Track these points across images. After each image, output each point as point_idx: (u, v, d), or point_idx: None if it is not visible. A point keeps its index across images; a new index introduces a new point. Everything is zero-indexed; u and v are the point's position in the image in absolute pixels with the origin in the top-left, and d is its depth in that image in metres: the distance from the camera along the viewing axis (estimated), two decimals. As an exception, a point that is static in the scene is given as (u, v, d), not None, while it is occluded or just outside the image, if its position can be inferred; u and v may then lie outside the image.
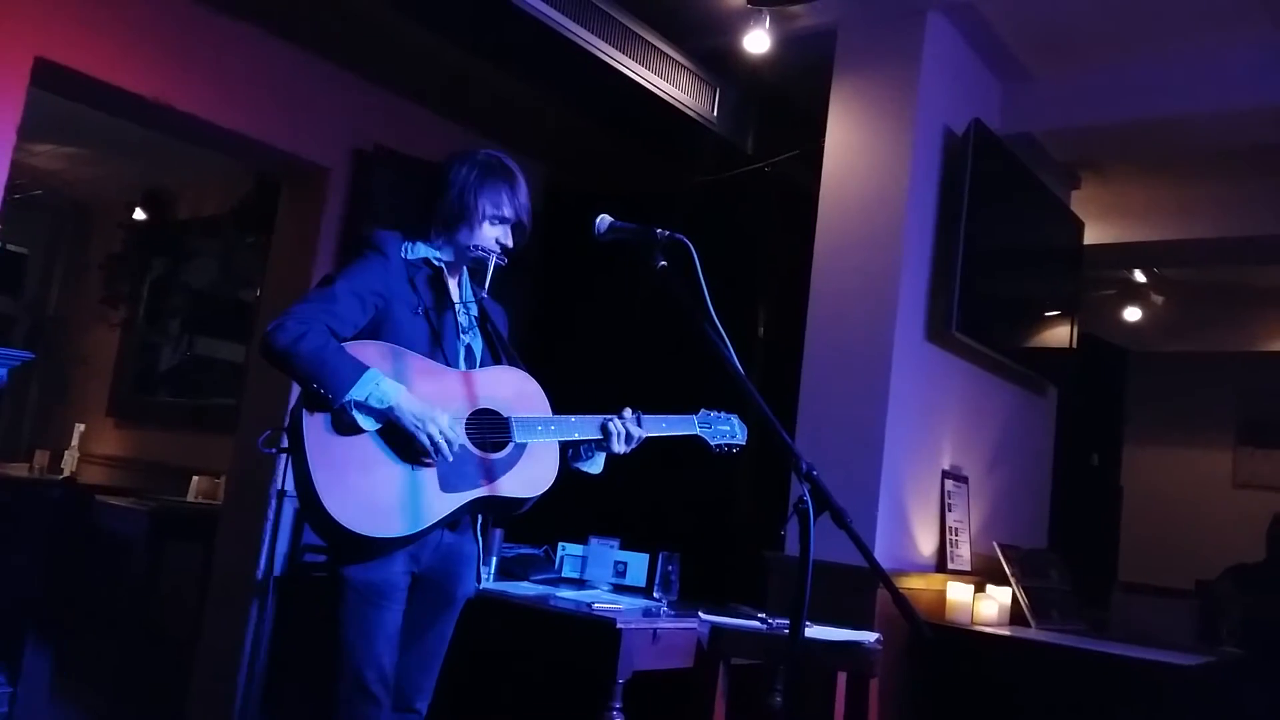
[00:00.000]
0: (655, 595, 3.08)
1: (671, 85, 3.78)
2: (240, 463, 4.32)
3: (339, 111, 4.25)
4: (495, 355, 2.31)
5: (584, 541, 3.46)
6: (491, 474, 2.11)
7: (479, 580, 2.31)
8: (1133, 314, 6.27)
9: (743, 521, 3.96)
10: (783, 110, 4.19)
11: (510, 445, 2.14)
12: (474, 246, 2.25)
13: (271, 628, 4.02)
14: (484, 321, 2.33)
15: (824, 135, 3.64)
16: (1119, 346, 6.23)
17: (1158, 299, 6.20)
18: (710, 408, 2.38)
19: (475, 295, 2.34)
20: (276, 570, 4.02)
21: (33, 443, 6.34)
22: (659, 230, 2.06)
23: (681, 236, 2.02)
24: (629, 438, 2.23)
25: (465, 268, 2.32)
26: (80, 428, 5.83)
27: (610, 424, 2.22)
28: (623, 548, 3.43)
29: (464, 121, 4.65)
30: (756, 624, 2.52)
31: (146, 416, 6.13)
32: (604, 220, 2.17)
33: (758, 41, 3.57)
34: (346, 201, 4.27)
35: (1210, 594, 4.13)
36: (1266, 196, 4.51)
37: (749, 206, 4.29)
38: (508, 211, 2.27)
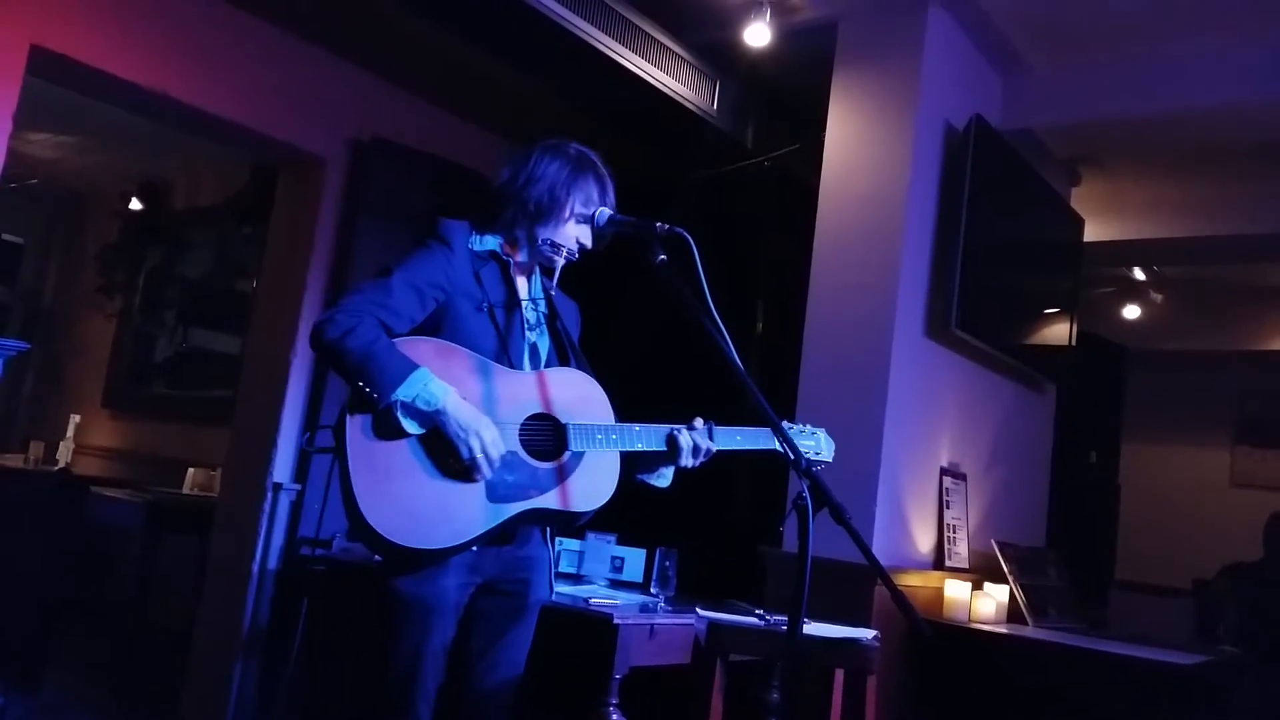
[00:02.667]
0: (652, 591, 3.07)
1: (671, 78, 3.76)
2: (236, 455, 4.30)
3: (336, 102, 4.23)
4: (563, 355, 2.19)
5: (581, 536, 3.44)
6: (545, 484, 1.98)
7: (551, 588, 2.18)
8: (1132, 312, 6.26)
9: (741, 517, 3.95)
10: (783, 104, 4.18)
11: (567, 453, 2.01)
12: (549, 241, 2.13)
13: (267, 620, 4.00)
14: (553, 320, 2.21)
15: (824, 129, 3.62)
16: (1118, 344, 6.21)
17: (1157, 297, 6.19)
18: (791, 420, 2.29)
19: (545, 291, 2.22)
20: (272, 563, 4.01)
21: (28, 433, 6.33)
22: (659, 224, 2.04)
23: (681, 230, 2.00)
24: (698, 451, 2.08)
25: (537, 263, 2.20)
26: (75, 419, 5.82)
27: (679, 436, 2.07)
28: (620, 543, 3.41)
29: (462, 112, 4.63)
30: (754, 620, 2.51)
31: (142, 408, 6.12)
32: (603, 213, 2.16)
33: (758, 34, 3.55)
34: (343, 192, 4.25)
35: (1208, 593, 4.13)
36: (1267, 194, 4.50)
37: (748, 200, 4.27)
38: (602, 210, 2.16)
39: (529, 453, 1.99)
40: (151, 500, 4.85)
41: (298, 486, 4.05)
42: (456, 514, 1.90)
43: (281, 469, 4.06)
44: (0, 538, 4.63)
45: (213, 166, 5.80)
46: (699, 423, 2.11)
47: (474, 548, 1.96)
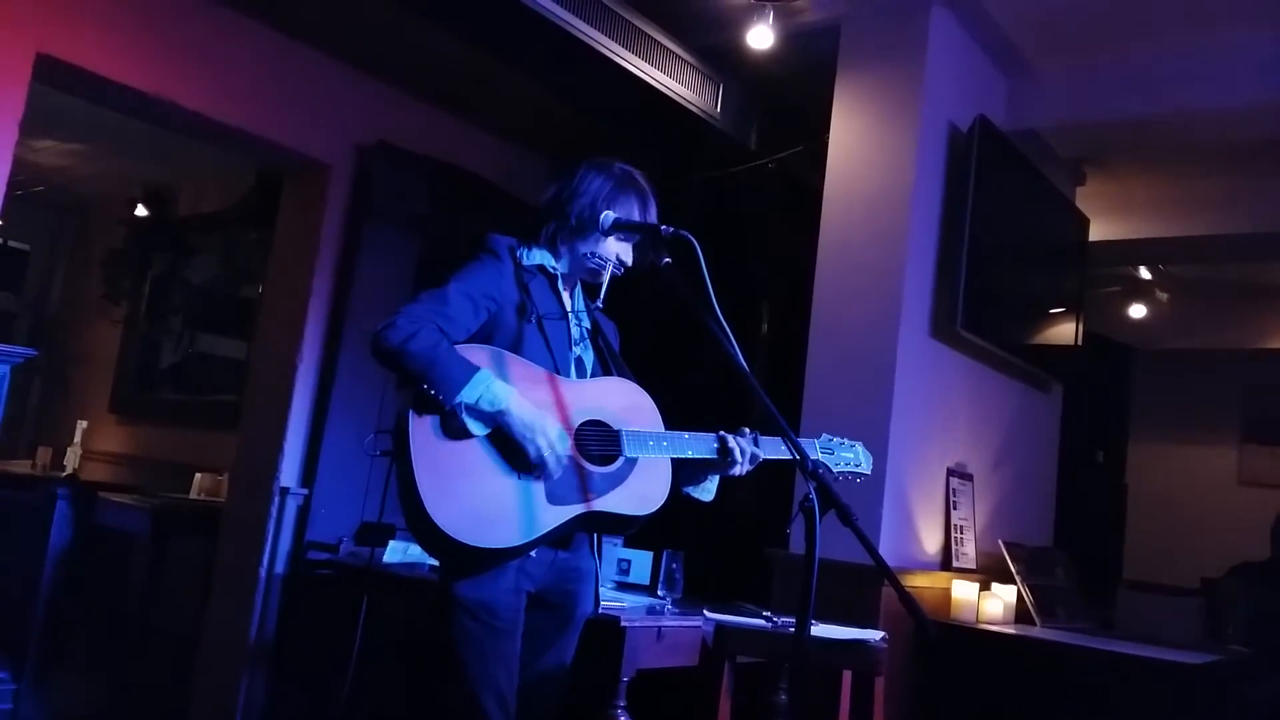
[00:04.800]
0: (659, 593, 3.07)
1: (675, 81, 3.77)
2: (243, 459, 4.31)
3: (341, 107, 4.24)
4: (606, 370, 2.23)
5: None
6: (600, 488, 2.02)
7: (597, 603, 2.21)
8: (1138, 311, 6.25)
9: (747, 519, 3.95)
10: (786, 106, 4.18)
11: (620, 459, 2.05)
12: (592, 255, 2.18)
13: (274, 625, 4.01)
14: (596, 335, 2.26)
15: (828, 131, 3.62)
16: (1124, 344, 6.20)
17: (1163, 296, 6.18)
18: (833, 433, 2.32)
19: (588, 307, 2.26)
20: (279, 567, 4.01)
21: (35, 440, 6.35)
22: (663, 227, 2.06)
23: (686, 233, 2.02)
24: (745, 456, 2.10)
25: (580, 278, 2.24)
26: (83, 424, 5.83)
27: (729, 441, 2.10)
28: (626, 545, 3.42)
29: (466, 117, 4.64)
30: (761, 622, 2.51)
31: (149, 413, 6.14)
32: (608, 216, 2.16)
33: (761, 37, 3.55)
34: (349, 197, 4.26)
35: (1216, 592, 4.11)
36: (1273, 192, 4.49)
37: (752, 203, 4.27)
38: (607, 213, 2.16)
39: (584, 458, 2.03)
40: (159, 505, 4.86)
41: (305, 491, 4.06)
42: (518, 515, 1.93)
43: (288, 473, 4.07)
44: (8, 543, 4.64)
45: (218, 172, 5.82)
46: (745, 430, 2.13)
47: (532, 552, 1.99)
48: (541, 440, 1.93)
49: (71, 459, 5.66)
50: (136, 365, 6.28)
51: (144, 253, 6.34)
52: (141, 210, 6.29)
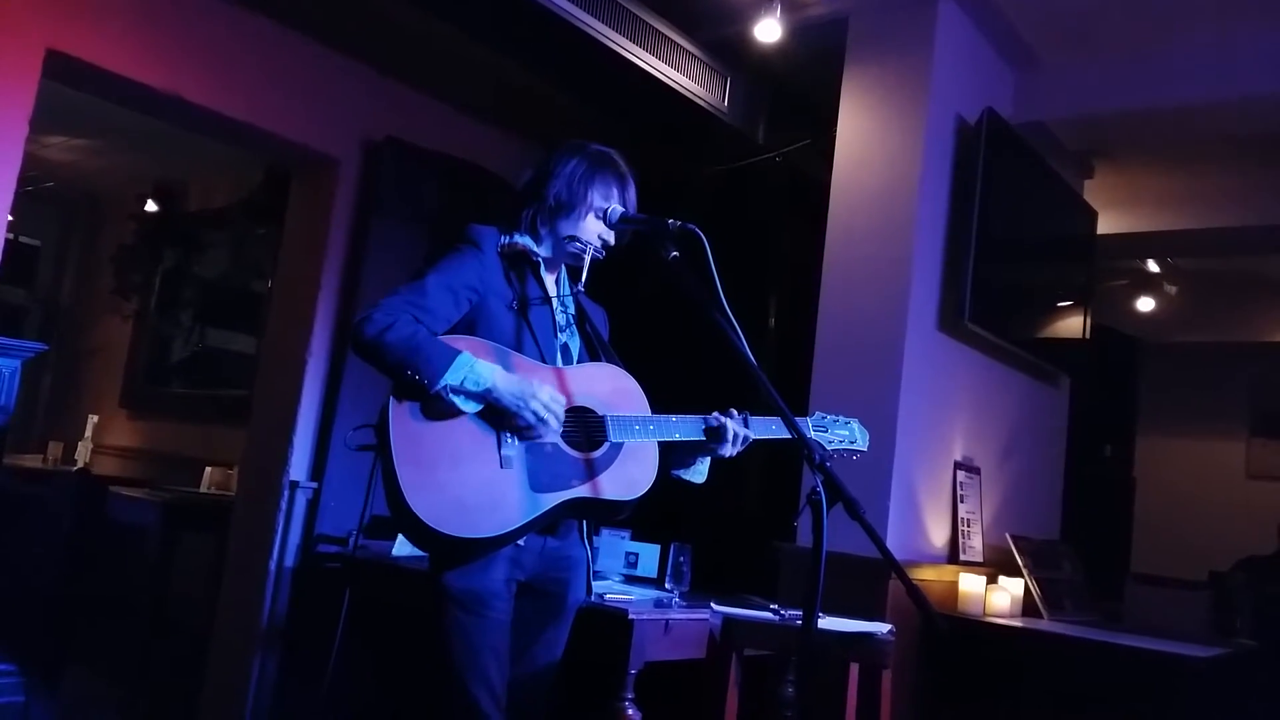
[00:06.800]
0: (667, 586, 3.08)
1: (682, 75, 3.77)
2: (253, 453, 4.33)
3: (349, 102, 4.25)
4: (594, 355, 2.22)
5: (595, 532, 3.45)
6: (585, 475, 2.01)
7: (589, 589, 2.20)
8: (1146, 304, 6.24)
9: (755, 512, 3.96)
10: (794, 99, 4.18)
11: (606, 445, 2.04)
12: (572, 239, 2.15)
13: (285, 617, 4.03)
14: (582, 320, 2.24)
15: (835, 125, 3.62)
16: (1132, 337, 6.20)
17: (1171, 289, 6.16)
18: (827, 411, 2.32)
19: (573, 292, 2.24)
20: (289, 560, 4.03)
21: (46, 434, 6.39)
22: (671, 221, 2.06)
23: (693, 227, 2.02)
24: (735, 438, 2.09)
25: (563, 263, 2.22)
26: (93, 419, 5.87)
27: (715, 423, 2.09)
28: (634, 539, 3.43)
29: (474, 111, 4.65)
30: (769, 615, 2.52)
31: (159, 407, 6.17)
32: (616, 211, 2.17)
33: (769, 30, 3.55)
34: (356, 193, 4.27)
35: (1223, 585, 4.11)
36: (1281, 186, 4.48)
37: (760, 196, 4.28)
38: (615, 207, 2.17)
39: (569, 444, 2.02)
40: (169, 499, 4.89)
41: (314, 484, 4.07)
42: (502, 504, 1.92)
43: (298, 467, 4.09)
44: (20, 537, 4.67)
45: (227, 168, 5.83)
46: (734, 412, 2.13)
47: (519, 541, 1.98)
48: (535, 404, 1.93)
49: (82, 453, 5.70)
50: (147, 360, 6.31)
51: (154, 248, 6.37)
52: (151, 205, 6.31)
